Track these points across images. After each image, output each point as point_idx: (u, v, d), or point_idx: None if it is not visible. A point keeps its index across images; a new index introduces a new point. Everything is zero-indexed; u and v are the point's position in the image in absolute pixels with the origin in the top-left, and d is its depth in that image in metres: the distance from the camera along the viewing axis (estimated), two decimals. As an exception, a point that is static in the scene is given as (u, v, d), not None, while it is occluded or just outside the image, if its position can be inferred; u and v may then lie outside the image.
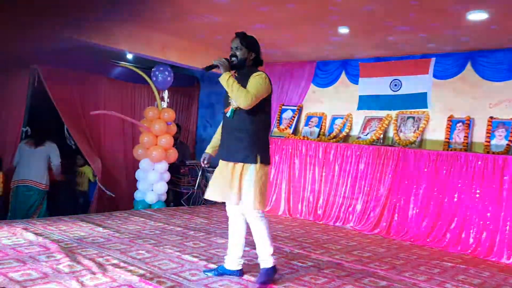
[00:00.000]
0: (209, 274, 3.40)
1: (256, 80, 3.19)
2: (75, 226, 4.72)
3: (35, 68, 6.14)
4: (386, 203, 5.71)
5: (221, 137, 3.43)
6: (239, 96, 3.11)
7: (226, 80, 3.16)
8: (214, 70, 3.28)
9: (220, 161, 3.36)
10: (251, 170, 3.19)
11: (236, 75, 3.35)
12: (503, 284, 3.85)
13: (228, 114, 3.31)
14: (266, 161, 3.28)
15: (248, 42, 3.32)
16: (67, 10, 4.72)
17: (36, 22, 4.76)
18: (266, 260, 3.30)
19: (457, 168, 5.17)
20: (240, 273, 3.40)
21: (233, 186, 3.20)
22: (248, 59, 3.32)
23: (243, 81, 3.20)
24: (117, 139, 7.19)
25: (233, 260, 3.40)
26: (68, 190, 6.72)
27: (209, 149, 3.59)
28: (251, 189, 3.16)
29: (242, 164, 3.21)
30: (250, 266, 3.69)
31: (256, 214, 3.23)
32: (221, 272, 3.40)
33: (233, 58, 3.29)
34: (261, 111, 3.26)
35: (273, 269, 3.33)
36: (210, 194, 3.36)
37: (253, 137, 3.24)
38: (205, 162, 3.56)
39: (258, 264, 3.70)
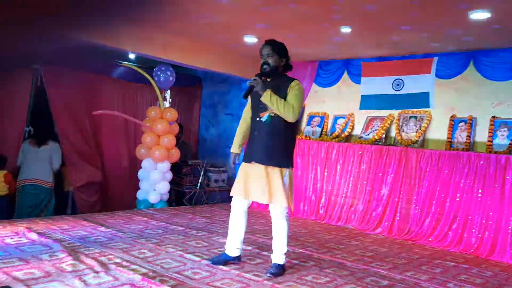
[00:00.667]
0: (210, 262, 3.65)
1: (297, 93, 3.39)
2: (78, 225, 4.74)
3: (38, 68, 6.16)
4: (388, 202, 5.71)
5: (254, 140, 3.53)
6: (287, 112, 3.32)
7: (270, 99, 3.31)
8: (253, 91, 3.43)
9: (255, 164, 3.47)
10: (287, 174, 3.45)
11: (268, 80, 3.50)
12: (505, 283, 3.85)
13: (264, 119, 3.45)
14: (292, 164, 3.58)
15: (279, 48, 3.49)
16: (70, 10, 4.73)
17: (39, 22, 4.78)
18: (279, 257, 3.53)
19: (459, 168, 5.17)
20: (238, 259, 3.71)
21: (267, 188, 3.40)
22: (279, 65, 3.49)
23: (278, 89, 3.39)
24: (119, 139, 7.20)
25: (233, 247, 3.66)
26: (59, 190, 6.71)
27: (237, 149, 3.77)
28: (287, 191, 3.43)
29: (278, 168, 3.41)
30: (252, 265, 3.70)
31: (285, 213, 3.51)
32: (224, 259, 3.65)
33: (265, 66, 3.44)
34: None
35: (283, 267, 3.54)
36: (239, 192, 3.54)
37: (287, 143, 3.50)
38: (236, 161, 3.80)
39: (261, 264, 3.73)
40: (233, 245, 3.67)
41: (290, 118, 3.34)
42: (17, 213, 5.70)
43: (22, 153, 5.82)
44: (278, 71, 3.49)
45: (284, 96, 3.38)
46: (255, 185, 3.45)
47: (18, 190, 5.74)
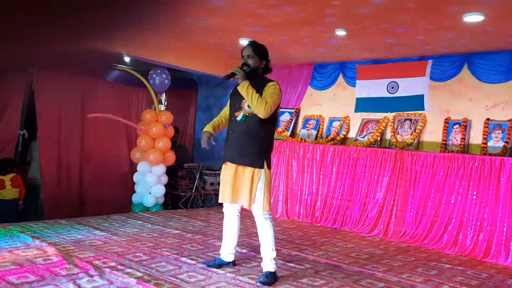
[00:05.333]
0: (205, 265, 3.65)
1: (272, 91, 3.36)
2: (72, 229, 4.71)
3: (32, 72, 6.14)
4: (383, 205, 5.71)
5: (228, 140, 3.52)
6: (259, 106, 3.26)
7: (246, 89, 3.30)
8: (232, 79, 3.41)
9: (228, 164, 3.47)
10: (261, 175, 3.38)
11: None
12: (500, 285, 3.85)
13: (239, 118, 3.42)
14: (270, 165, 3.47)
15: (260, 50, 3.48)
16: (65, 13, 4.72)
17: (34, 25, 4.76)
18: (268, 264, 3.43)
19: (454, 170, 5.19)
20: (233, 263, 3.72)
21: (245, 189, 3.38)
22: (259, 67, 3.49)
23: (256, 89, 3.35)
24: (114, 142, 7.19)
25: (227, 252, 3.68)
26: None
27: (210, 128, 3.64)
28: (261, 192, 3.37)
29: (252, 168, 3.36)
30: (248, 268, 3.69)
31: (266, 215, 3.42)
32: (218, 263, 3.66)
33: (245, 67, 3.42)
34: (270, 118, 3.38)
35: (274, 274, 3.43)
36: (224, 197, 3.52)
37: (262, 143, 3.42)
38: (208, 141, 3.58)
39: (256, 266, 3.72)
40: (227, 250, 3.68)
41: (261, 112, 3.27)
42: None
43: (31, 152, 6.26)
44: (259, 73, 3.48)
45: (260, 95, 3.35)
46: (228, 186, 3.44)
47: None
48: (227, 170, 3.48)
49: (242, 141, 3.40)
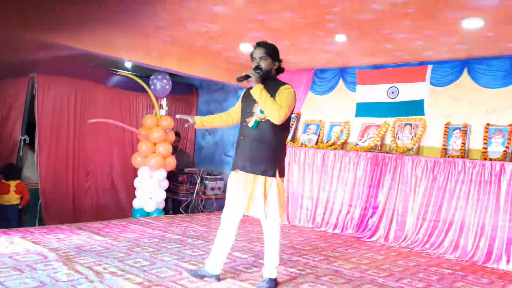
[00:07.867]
0: (189, 274, 3.47)
1: (286, 95, 3.18)
2: (73, 235, 4.71)
3: (34, 77, 6.16)
4: (384, 210, 5.71)
5: (239, 147, 3.36)
6: (273, 111, 3.10)
7: (260, 93, 3.11)
8: (244, 82, 3.22)
9: (239, 172, 3.32)
10: (274, 184, 3.25)
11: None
12: (501, 290, 3.85)
13: (250, 124, 3.26)
14: (283, 173, 3.34)
15: (272, 50, 3.29)
16: (67, 19, 4.75)
17: (36, 30, 4.79)
18: (271, 270, 3.39)
19: (455, 175, 5.19)
20: (218, 278, 3.42)
21: (259, 199, 3.23)
22: (272, 69, 3.31)
23: (270, 94, 3.16)
24: (115, 147, 7.19)
25: (216, 264, 3.42)
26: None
27: (200, 119, 3.58)
28: (275, 202, 3.25)
29: (264, 177, 3.23)
30: (248, 274, 3.69)
31: (277, 225, 3.32)
32: (202, 274, 3.42)
33: (258, 70, 3.20)
34: (283, 124, 3.22)
35: (275, 281, 3.41)
36: (233, 207, 3.35)
37: (275, 150, 3.27)
38: (182, 117, 3.55)
39: (257, 272, 3.71)
40: (215, 262, 3.42)
41: (275, 118, 3.10)
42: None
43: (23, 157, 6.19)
44: (271, 75, 3.29)
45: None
46: (240, 196, 3.28)
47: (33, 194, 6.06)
48: (238, 179, 3.31)
49: (254, 149, 3.23)
